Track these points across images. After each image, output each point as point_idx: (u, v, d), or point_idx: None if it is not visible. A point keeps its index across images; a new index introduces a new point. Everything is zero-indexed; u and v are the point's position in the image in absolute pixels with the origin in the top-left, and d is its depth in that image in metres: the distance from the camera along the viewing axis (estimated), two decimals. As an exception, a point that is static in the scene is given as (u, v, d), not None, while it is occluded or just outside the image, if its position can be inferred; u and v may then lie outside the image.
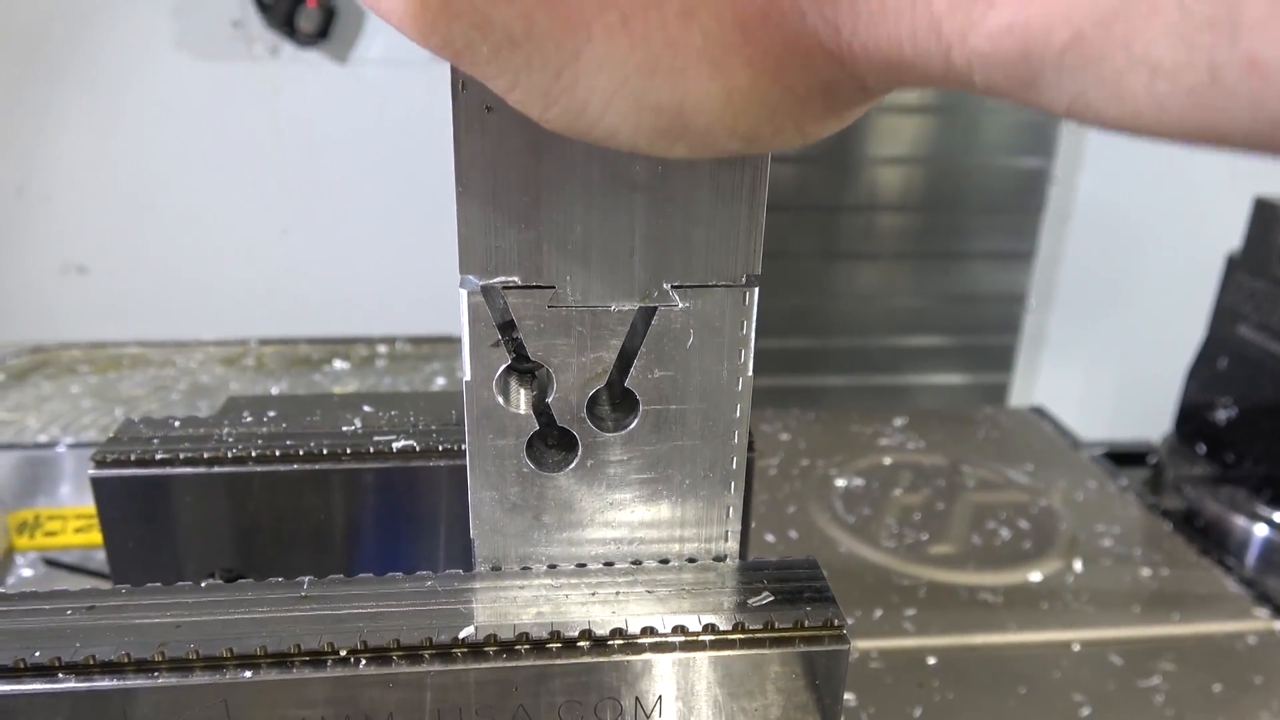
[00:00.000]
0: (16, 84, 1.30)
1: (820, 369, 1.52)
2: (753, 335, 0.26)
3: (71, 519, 0.50)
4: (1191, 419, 0.75)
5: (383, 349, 0.85)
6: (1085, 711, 0.50)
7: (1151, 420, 0.87)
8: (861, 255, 1.47)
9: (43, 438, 0.69)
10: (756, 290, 0.25)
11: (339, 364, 0.82)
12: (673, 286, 0.25)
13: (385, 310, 1.41)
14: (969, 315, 1.52)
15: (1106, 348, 1.59)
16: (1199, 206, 1.39)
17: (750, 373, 0.26)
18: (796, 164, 1.40)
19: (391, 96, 1.36)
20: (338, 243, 1.42)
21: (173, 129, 1.35)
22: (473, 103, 0.22)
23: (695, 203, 0.24)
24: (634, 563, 0.28)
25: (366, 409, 0.39)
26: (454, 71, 0.22)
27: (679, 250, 0.24)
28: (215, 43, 1.33)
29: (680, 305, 0.25)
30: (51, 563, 0.55)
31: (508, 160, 0.23)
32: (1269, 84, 0.13)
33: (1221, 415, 0.72)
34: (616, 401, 0.27)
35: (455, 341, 0.85)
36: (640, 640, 0.25)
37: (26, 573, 0.57)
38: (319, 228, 1.41)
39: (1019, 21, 0.14)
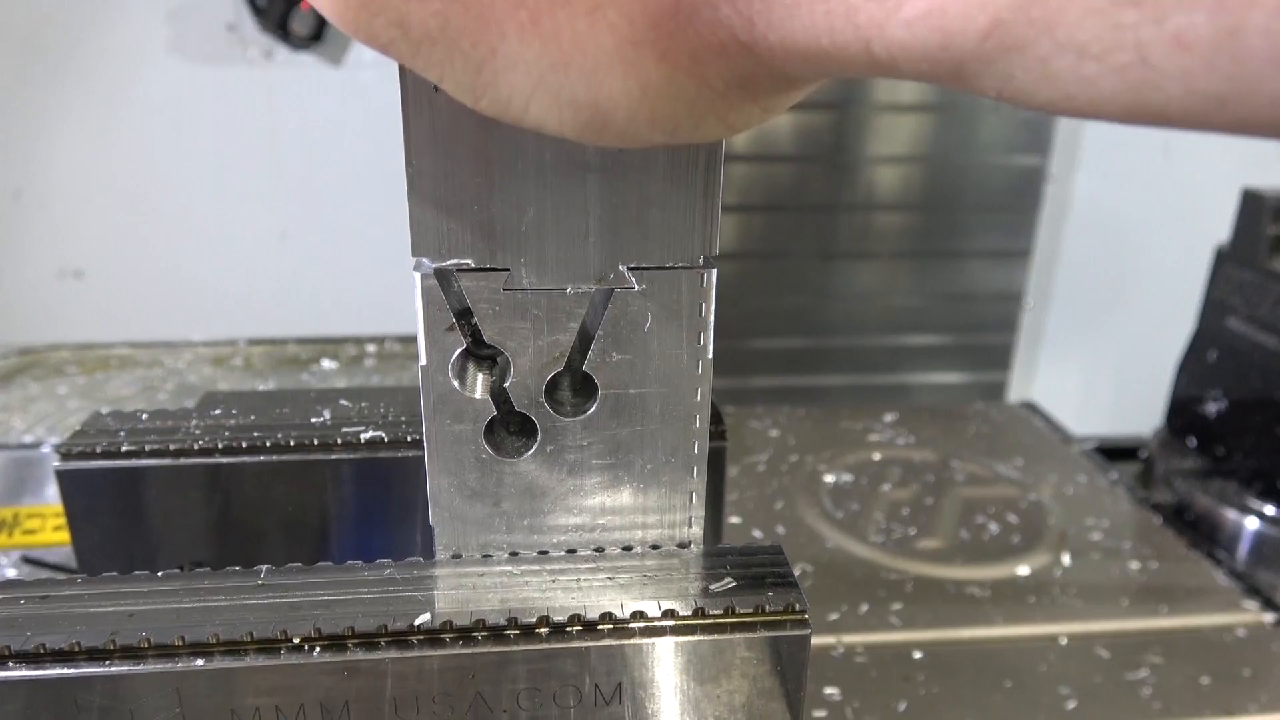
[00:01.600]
0: (11, 89, 1.30)
1: (818, 369, 1.52)
2: (712, 318, 0.25)
3: (50, 517, 0.50)
4: (1182, 412, 0.74)
5: (371, 348, 0.85)
6: (1071, 705, 0.49)
7: (1150, 415, 0.86)
8: (858, 255, 1.47)
9: (28, 438, 0.69)
10: (715, 271, 0.25)
11: (327, 363, 0.82)
12: (629, 268, 0.25)
13: (384, 310, 1.41)
14: (966, 314, 1.52)
15: (1104, 344, 1.58)
16: (1195, 203, 1.39)
17: (710, 355, 0.26)
18: (793, 164, 1.39)
19: (386, 98, 1.36)
20: (336, 244, 1.42)
21: (168, 133, 1.35)
22: (420, 82, 0.22)
23: (650, 183, 0.24)
24: (597, 550, 0.28)
25: (344, 403, 0.39)
26: (401, 50, 0.22)
27: (635, 232, 0.24)
28: (210, 46, 1.33)
29: (637, 287, 0.25)
30: (32, 561, 0.55)
31: (458, 140, 0.23)
32: (1197, 60, 0.13)
33: (1212, 408, 0.71)
34: (576, 386, 0.26)
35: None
36: (599, 626, 0.25)
37: (10, 572, 0.57)
38: (317, 230, 1.41)
39: (935, 9, 0.14)
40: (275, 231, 1.40)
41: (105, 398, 0.76)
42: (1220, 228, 0.73)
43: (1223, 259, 0.71)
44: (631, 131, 0.18)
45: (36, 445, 0.68)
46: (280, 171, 1.38)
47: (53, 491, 0.67)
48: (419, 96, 0.22)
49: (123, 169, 1.35)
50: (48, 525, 0.50)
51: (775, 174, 1.39)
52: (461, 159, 0.23)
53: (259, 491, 0.34)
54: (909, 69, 0.15)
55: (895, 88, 1.31)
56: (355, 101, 1.35)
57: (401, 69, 0.22)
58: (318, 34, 1.29)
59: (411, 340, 0.88)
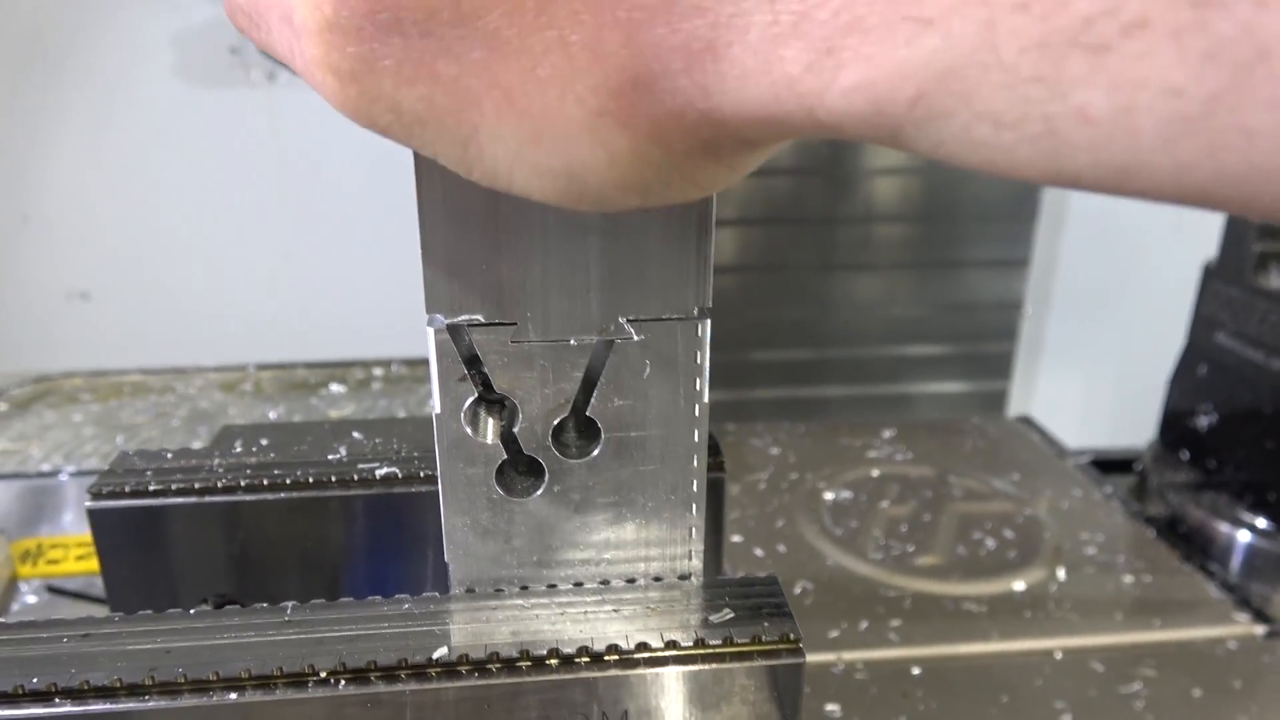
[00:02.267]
0: (14, 112, 1.32)
1: (820, 380, 1.53)
2: (707, 364, 0.27)
3: (73, 547, 0.51)
4: (1174, 426, 0.76)
5: (378, 372, 0.87)
6: (1066, 718, 0.51)
7: (1150, 422, 0.88)
8: (858, 266, 1.48)
9: (45, 467, 0.71)
10: (709, 322, 0.27)
11: (335, 388, 0.84)
12: (628, 320, 0.26)
13: (388, 331, 1.42)
14: (966, 323, 1.53)
15: (1104, 353, 1.60)
16: (1191, 212, 1.40)
17: (706, 399, 0.28)
18: (792, 177, 1.41)
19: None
20: (339, 265, 1.44)
21: (172, 155, 1.37)
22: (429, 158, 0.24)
23: (647, 242, 0.25)
24: (602, 583, 0.29)
25: (355, 435, 0.40)
26: (415, 126, 0.23)
27: (633, 287, 0.26)
28: (213, 69, 1.35)
29: (636, 338, 0.26)
30: (54, 590, 0.56)
31: (467, 206, 0.24)
32: (1099, 133, 0.14)
33: (1203, 422, 0.73)
34: (580, 430, 0.28)
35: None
36: (606, 657, 0.26)
37: (31, 599, 0.59)
38: (320, 251, 1.43)
39: (866, 81, 0.15)
40: (278, 252, 1.42)
41: (119, 425, 0.78)
42: (1216, 235, 0.75)
43: (1210, 275, 0.72)
44: (605, 196, 0.20)
45: (54, 474, 0.70)
46: (283, 192, 1.40)
47: (69, 519, 0.68)
48: (429, 170, 0.24)
49: (127, 191, 1.37)
50: (70, 555, 0.51)
51: (774, 187, 1.41)
52: (471, 225, 0.24)
53: (279, 527, 0.35)
54: (852, 132, 0.17)
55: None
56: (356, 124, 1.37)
57: (415, 145, 0.23)
58: (321, 58, 1.31)
59: (417, 363, 0.90)
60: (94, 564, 0.53)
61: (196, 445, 0.74)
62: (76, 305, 1.42)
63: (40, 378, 0.87)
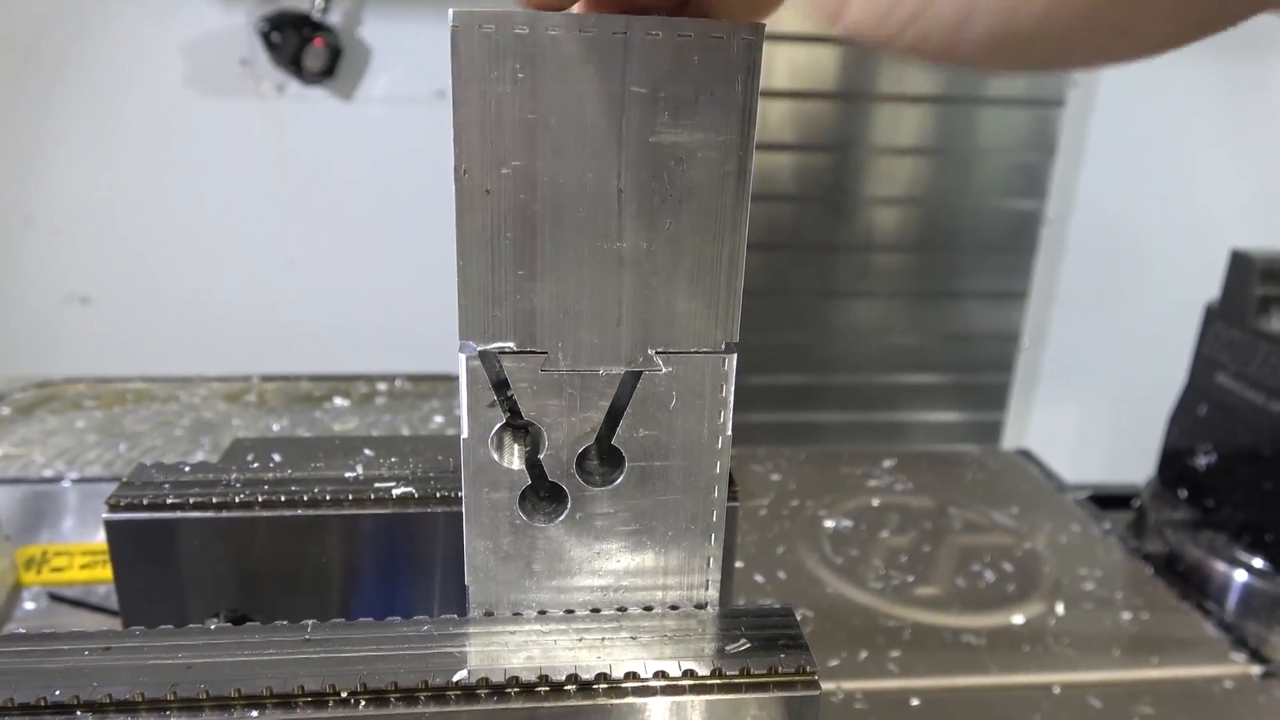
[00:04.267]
0: (27, 118, 1.33)
1: (817, 405, 1.54)
2: (731, 397, 0.28)
3: (78, 555, 0.51)
4: (1173, 464, 0.76)
5: (382, 386, 0.87)
6: (1064, 754, 0.51)
7: (1145, 456, 0.88)
8: (858, 294, 1.49)
9: (48, 472, 0.71)
10: (735, 356, 0.27)
11: (339, 401, 0.84)
12: (657, 352, 0.27)
13: (388, 344, 1.43)
14: (963, 353, 1.54)
15: (1099, 387, 1.61)
16: (1189, 248, 1.42)
17: (729, 432, 0.28)
18: (794, 203, 1.42)
19: (395, 133, 1.39)
20: (341, 276, 1.44)
21: (180, 163, 1.38)
22: (473, 186, 0.24)
23: (678, 276, 0.26)
24: (620, 610, 0.30)
25: (367, 452, 0.41)
26: (457, 158, 0.24)
27: (663, 319, 0.26)
28: (223, 80, 1.36)
29: (664, 370, 0.27)
30: (55, 597, 0.56)
31: (505, 238, 0.25)
32: None
33: (1202, 461, 0.73)
34: (604, 458, 0.28)
35: (453, 380, 0.86)
36: (623, 685, 0.27)
37: (30, 605, 0.59)
38: (323, 261, 1.44)
39: None
40: (281, 261, 1.42)
41: (122, 433, 0.78)
42: (1213, 270, 0.76)
43: (1212, 317, 0.73)
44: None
45: (56, 479, 0.70)
46: (289, 202, 1.41)
47: (70, 525, 0.68)
48: (471, 200, 0.24)
49: (130, 197, 1.37)
50: (75, 563, 0.51)
51: (776, 213, 1.42)
52: (507, 255, 0.25)
53: (294, 543, 0.35)
54: None
55: (894, 129, 1.34)
56: (364, 135, 1.38)
57: (458, 174, 0.24)
58: (329, 70, 1.32)
59: (420, 379, 0.90)
60: (97, 572, 0.53)
61: (200, 455, 0.74)
62: (76, 310, 1.42)
63: (43, 383, 0.87)
